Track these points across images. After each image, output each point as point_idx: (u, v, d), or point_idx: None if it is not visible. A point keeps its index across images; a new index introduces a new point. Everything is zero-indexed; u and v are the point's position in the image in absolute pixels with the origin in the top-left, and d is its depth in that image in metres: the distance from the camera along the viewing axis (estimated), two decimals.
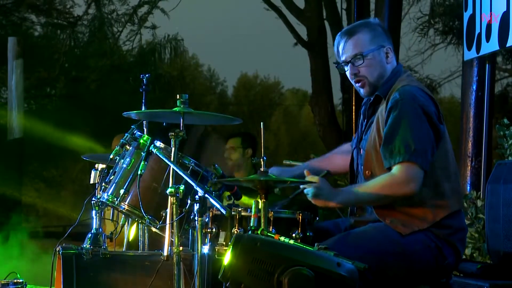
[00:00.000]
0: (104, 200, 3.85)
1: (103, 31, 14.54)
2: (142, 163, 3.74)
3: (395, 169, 3.39)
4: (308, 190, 3.43)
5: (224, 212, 3.31)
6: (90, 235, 3.87)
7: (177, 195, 3.44)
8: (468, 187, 6.57)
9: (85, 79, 14.70)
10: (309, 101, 13.69)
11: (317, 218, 3.71)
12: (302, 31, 12.73)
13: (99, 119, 14.02)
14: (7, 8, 14.69)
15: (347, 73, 3.67)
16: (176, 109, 3.68)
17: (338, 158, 4.00)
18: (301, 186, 3.48)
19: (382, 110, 3.55)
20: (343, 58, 3.65)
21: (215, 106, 31.04)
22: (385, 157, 3.44)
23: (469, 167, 6.65)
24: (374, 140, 3.54)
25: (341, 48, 3.65)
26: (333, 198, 3.42)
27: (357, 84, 3.67)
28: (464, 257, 5.47)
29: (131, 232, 4.53)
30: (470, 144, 6.68)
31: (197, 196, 3.36)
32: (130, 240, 4.56)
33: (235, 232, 3.38)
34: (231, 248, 2.91)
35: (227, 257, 2.91)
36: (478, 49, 6.01)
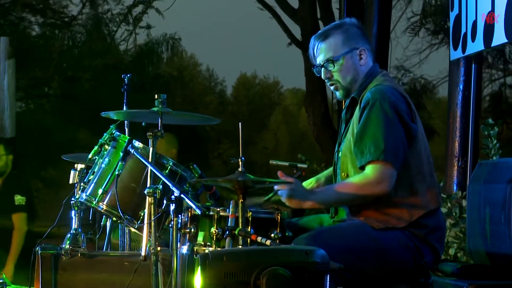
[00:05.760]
0: (82, 200, 3.87)
1: (98, 30, 14.54)
2: (120, 163, 3.75)
3: (368, 168, 3.38)
4: (282, 192, 3.43)
5: (199, 212, 3.32)
6: (69, 235, 3.88)
7: (155, 195, 3.45)
8: (455, 187, 6.58)
9: (80, 79, 14.70)
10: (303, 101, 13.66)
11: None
12: (296, 30, 12.75)
13: (95, 119, 14.00)
14: (4, 8, 14.69)
15: (322, 76, 3.68)
16: (154, 109, 3.70)
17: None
18: (275, 188, 3.48)
19: (356, 111, 3.55)
20: (317, 62, 3.66)
21: (214, 106, 30.98)
22: (357, 157, 3.44)
23: (456, 167, 6.66)
24: (349, 141, 3.53)
25: (315, 51, 3.66)
26: (307, 199, 3.42)
27: (331, 87, 3.69)
28: (448, 257, 5.47)
29: None
30: (456, 144, 6.68)
31: (173, 196, 3.36)
32: None
33: (214, 232, 3.37)
34: (200, 271, 2.88)
35: (198, 280, 2.88)
36: (464, 49, 5.99)
